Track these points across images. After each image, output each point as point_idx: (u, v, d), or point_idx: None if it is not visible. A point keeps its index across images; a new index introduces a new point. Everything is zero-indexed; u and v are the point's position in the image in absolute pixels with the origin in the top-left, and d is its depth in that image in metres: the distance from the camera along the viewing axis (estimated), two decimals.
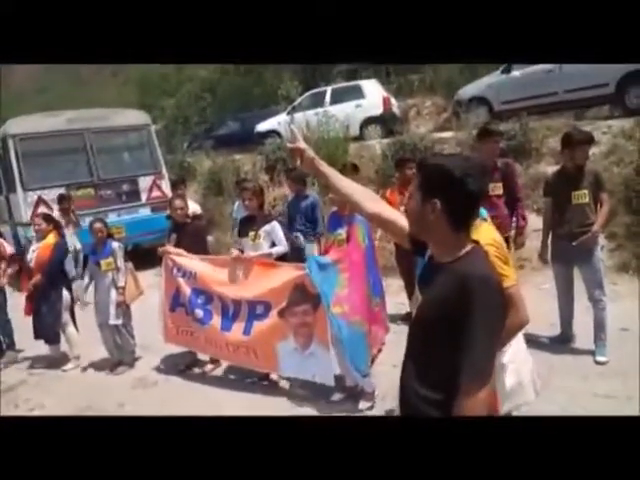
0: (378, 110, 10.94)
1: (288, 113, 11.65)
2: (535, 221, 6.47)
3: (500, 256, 2.03)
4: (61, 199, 7.31)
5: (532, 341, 4.15)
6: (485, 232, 2.08)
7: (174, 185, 7.25)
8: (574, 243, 3.84)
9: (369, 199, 1.84)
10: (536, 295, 5.07)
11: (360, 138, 10.63)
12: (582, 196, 3.84)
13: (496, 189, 4.09)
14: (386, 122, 10.84)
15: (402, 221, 1.71)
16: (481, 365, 1.32)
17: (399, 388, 1.61)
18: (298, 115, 10.90)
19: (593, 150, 7.06)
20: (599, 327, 3.89)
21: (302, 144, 1.84)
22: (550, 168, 6.57)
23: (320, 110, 10.70)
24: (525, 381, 2.48)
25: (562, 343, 4.17)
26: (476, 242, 1.52)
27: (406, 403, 1.56)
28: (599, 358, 3.84)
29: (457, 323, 1.35)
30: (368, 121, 10.95)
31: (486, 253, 1.53)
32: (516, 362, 2.42)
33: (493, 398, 1.39)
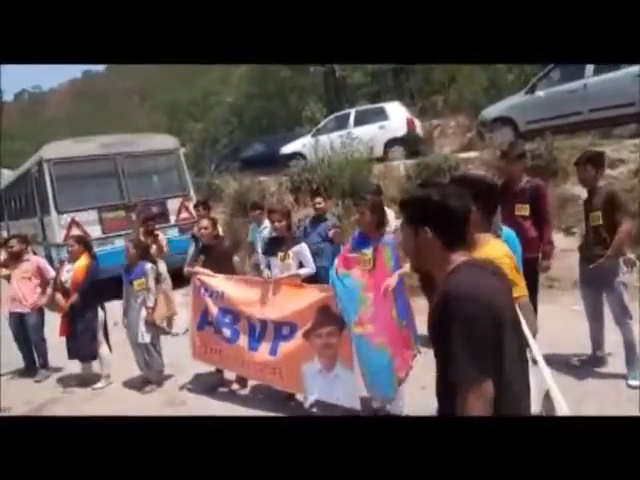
0: (402, 131, 11.02)
1: (313, 135, 11.83)
2: (563, 241, 6.39)
3: (514, 268, 2.19)
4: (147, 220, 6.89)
5: (562, 363, 4.11)
6: (495, 247, 2.20)
7: (195, 207, 7.41)
8: (591, 266, 3.80)
9: None
10: (566, 316, 4.99)
11: (384, 159, 10.71)
12: (596, 218, 3.81)
13: (522, 210, 4.05)
14: (410, 143, 10.92)
15: None
16: (460, 366, 1.41)
17: None
18: (322, 137, 11.06)
19: (620, 169, 7.00)
20: (629, 350, 3.81)
21: None
22: (576, 188, 6.50)
23: (344, 132, 10.85)
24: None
25: (593, 366, 4.08)
26: (471, 259, 1.62)
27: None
28: (631, 382, 3.74)
29: (439, 336, 1.50)
30: (392, 142, 11.02)
31: (476, 267, 1.60)
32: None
33: (488, 404, 1.40)
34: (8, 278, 5.65)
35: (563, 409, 1.98)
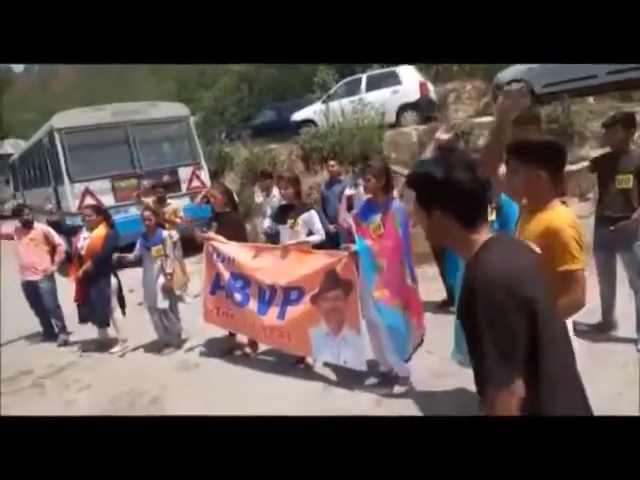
0: (415, 96, 10.77)
1: (324, 101, 11.65)
2: (577, 207, 6.29)
3: (577, 239, 2.00)
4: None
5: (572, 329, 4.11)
6: (563, 213, 2.07)
7: (213, 175, 7.41)
8: (611, 228, 3.74)
9: None
10: None
11: (397, 125, 10.54)
12: (626, 180, 3.72)
13: None
14: (423, 108, 10.68)
15: None
16: (488, 365, 1.28)
17: None
18: (334, 103, 10.89)
19: None
20: None
21: None
22: (593, 152, 6.36)
23: (356, 98, 10.66)
24: None
25: (603, 331, 4.07)
26: (494, 234, 1.45)
27: None
28: None
29: (470, 323, 1.34)
30: (404, 107, 10.79)
31: (508, 242, 1.47)
32: None
33: (518, 403, 1.27)
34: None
35: None
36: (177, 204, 6.99)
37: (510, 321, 1.26)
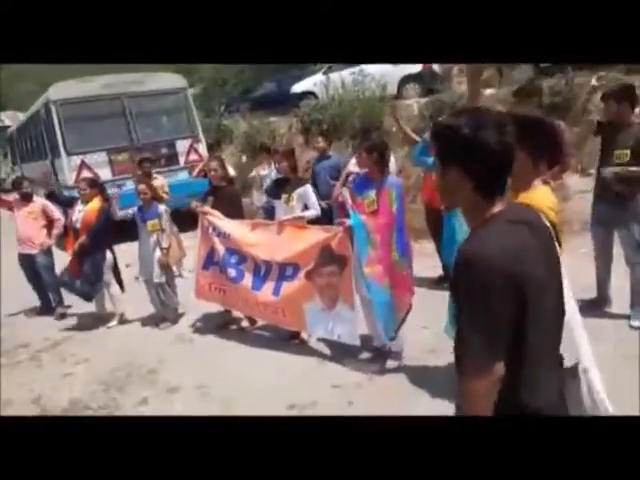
0: (417, 68, 10.55)
1: (324, 73, 11.42)
2: (578, 182, 6.22)
3: (556, 222, 1.89)
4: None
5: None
6: (543, 195, 1.97)
7: (210, 148, 7.33)
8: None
9: None
10: (575, 259, 4.93)
11: (398, 97, 10.34)
12: (623, 156, 3.64)
13: None
14: (425, 80, 10.47)
15: None
16: (468, 345, 1.23)
17: None
18: (334, 75, 10.67)
19: None
20: (636, 291, 3.78)
21: None
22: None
23: (356, 69, 10.44)
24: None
25: (598, 307, 4.06)
26: (507, 209, 1.34)
27: None
28: (634, 323, 3.74)
29: (455, 295, 1.29)
30: (406, 79, 10.57)
31: (508, 222, 1.33)
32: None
33: (494, 386, 1.24)
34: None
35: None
36: (163, 179, 6.91)
37: (496, 300, 1.20)
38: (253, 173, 6.70)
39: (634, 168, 3.57)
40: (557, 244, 1.52)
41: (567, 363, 1.63)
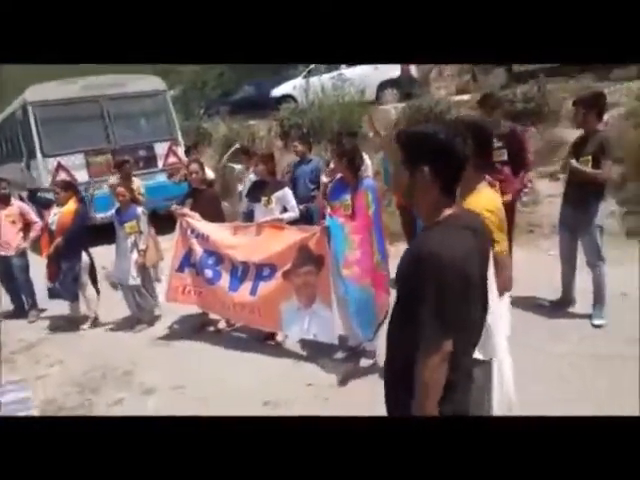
0: (395, 72, 10.70)
1: (304, 77, 11.50)
2: (547, 186, 6.39)
3: (496, 223, 2.03)
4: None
5: (533, 304, 4.24)
6: (486, 197, 2.08)
7: (187, 150, 7.31)
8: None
9: None
10: (543, 261, 5.07)
11: (377, 102, 10.46)
12: (585, 163, 3.77)
13: (498, 155, 3.98)
14: (404, 85, 10.63)
15: None
16: (426, 334, 1.39)
17: None
18: (314, 79, 10.75)
19: (612, 112, 6.89)
20: (597, 291, 3.92)
21: None
22: (567, 132, 6.43)
23: (336, 73, 10.55)
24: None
25: (562, 307, 4.20)
26: (455, 213, 1.51)
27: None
28: (595, 321, 3.87)
29: (407, 292, 1.48)
30: (385, 84, 10.73)
31: (456, 226, 1.51)
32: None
33: (446, 362, 1.42)
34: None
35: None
36: (139, 181, 6.88)
37: (451, 293, 1.38)
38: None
39: (588, 169, 3.72)
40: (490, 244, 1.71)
41: (483, 357, 1.82)
